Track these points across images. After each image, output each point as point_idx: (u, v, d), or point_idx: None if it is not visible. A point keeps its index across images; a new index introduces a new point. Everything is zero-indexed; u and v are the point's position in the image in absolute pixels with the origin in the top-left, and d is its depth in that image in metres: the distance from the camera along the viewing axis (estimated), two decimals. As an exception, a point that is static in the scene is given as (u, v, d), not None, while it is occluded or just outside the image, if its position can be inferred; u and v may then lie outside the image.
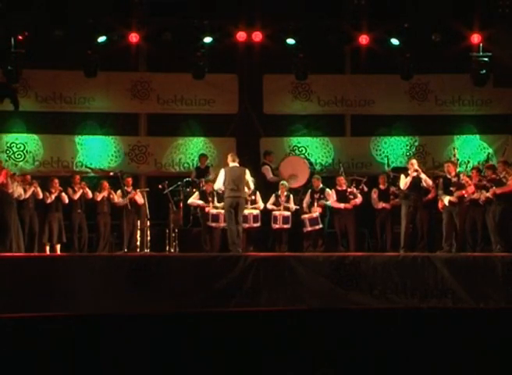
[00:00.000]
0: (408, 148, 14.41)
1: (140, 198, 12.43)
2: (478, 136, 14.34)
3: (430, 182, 11.50)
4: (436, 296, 9.59)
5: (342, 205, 12.19)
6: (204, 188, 12.26)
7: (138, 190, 12.59)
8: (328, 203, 12.23)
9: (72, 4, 12.36)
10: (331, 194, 12.30)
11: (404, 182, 11.41)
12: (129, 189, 12.36)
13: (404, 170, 11.75)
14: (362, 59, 13.30)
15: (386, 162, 13.81)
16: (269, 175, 13.03)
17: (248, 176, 11.02)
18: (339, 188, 12.37)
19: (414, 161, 11.69)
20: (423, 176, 11.39)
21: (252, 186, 11.26)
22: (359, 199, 12.24)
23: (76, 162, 14.00)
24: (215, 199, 12.00)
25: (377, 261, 9.83)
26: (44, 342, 7.48)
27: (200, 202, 12.10)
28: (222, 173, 10.99)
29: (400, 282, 9.66)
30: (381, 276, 9.68)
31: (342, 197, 12.27)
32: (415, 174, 11.35)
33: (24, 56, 12.49)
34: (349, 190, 12.28)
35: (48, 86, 13.97)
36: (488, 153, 13.85)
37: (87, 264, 9.72)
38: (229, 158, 11.11)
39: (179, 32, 12.78)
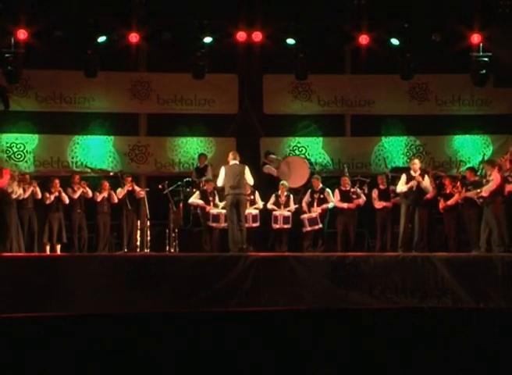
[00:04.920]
0: (408, 148, 14.41)
1: (139, 189, 12.45)
2: (478, 136, 14.34)
3: (430, 188, 11.39)
4: (436, 296, 9.58)
5: (345, 205, 12.19)
6: (205, 188, 12.27)
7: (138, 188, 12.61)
8: (330, 205, 12.21)
9: (72, 4, 12.36)
10: (331, 195, 12.29)
11: (401, 189, 11.24)
12: (129, 186, 12.34)
13: (405, 170, 11.67)
14: (362, 59, 13.26)
15: (385, 162, 13.80)
16: (275, 172, 12.96)
17: (248, 173, 11.02)
18: (343, 188, 12.36)
19: (416, 161, 11.52)
20: (423, 184, 11.14)
21: (252, 182, 11.23)
22: (362, 199, 12.23)
23: (76, 162, 14.00)
24: (216, 198, 12.01)
25: (377, 261, 9.82)
26: (44, 342, 7.49)
27: (201, 202, 12.09)
28: (222, 170, 11.02)
29: (400, 282, 9.65)
30: (381, 276, 9.67)
31: (345, 197, 12.26)
32: (415, 183, 11.13)
33: (24, 56, 12.50)
34: (352, 190, 12.27)
35: (48, 86, 13.97)
36: (484, 154, 13.82)
37: (87, 264, 9.71)
38: (230, 156, 11.13)
39: (179, 32, 12.77)
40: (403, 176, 11.36)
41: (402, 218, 11.23)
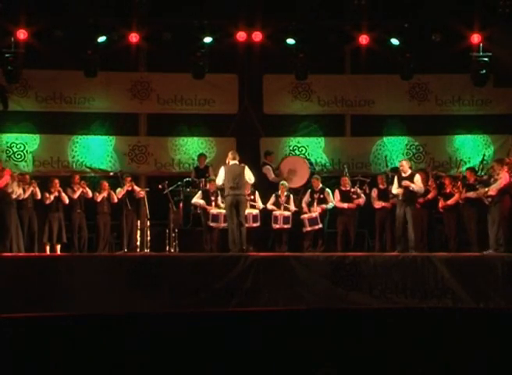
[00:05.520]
0: (408, 148, 14.40)
1: (139, 189, 12.45)
2: (478, 136, 14.33)
3: (421, 189, 11.34)
4: (436, 296, 9.60)
5: (345, 205, 12.18)
6: (207, 187, 12.27)
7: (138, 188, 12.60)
8: (329, 206, 12.20)
9: (72, 4, 12.36)
10: (331, 195, 12.29)
11: (396, 192, 11.24)
12: (129, 186, 12.33)
13: (398, 171, 11.61)
14: (362, 59, 13.27)
15: (385, 161, 13.79)
16: (271, 175, 13.05)
17: (248, 171, 11.01)
18: (343, 188, 12.36)
19: (403, 162, 11.46)
20: (412, 187, 11.05)
21: (252, 180, 11.22)
22: (362, 199, 12.23)
23: (76, 162, 13.99)
24: (219, 198, 12.00)
25: (377, 261, 9.84)
26: (44, 342, 7.50)
27: (202, 202, 12.08)
28: (221, 170, 11.01)
29: (400, 282, 9.67)
30: (381, 276, 9.69)
31: (345, 197, 12.26)
32: (401, 191, 11.07)
33: (24, 56, 12.49)
34: (352, 190, 12.28)
35: (48, 86, 13.95)
36: (484, 154, 13.79)
37: (87, 264, 9.73)
38: (230, 155, 11.12)
39: (179, 32, 12.77)
40: (395, 178, 11.36)
41: (397, 219, 11.20)
